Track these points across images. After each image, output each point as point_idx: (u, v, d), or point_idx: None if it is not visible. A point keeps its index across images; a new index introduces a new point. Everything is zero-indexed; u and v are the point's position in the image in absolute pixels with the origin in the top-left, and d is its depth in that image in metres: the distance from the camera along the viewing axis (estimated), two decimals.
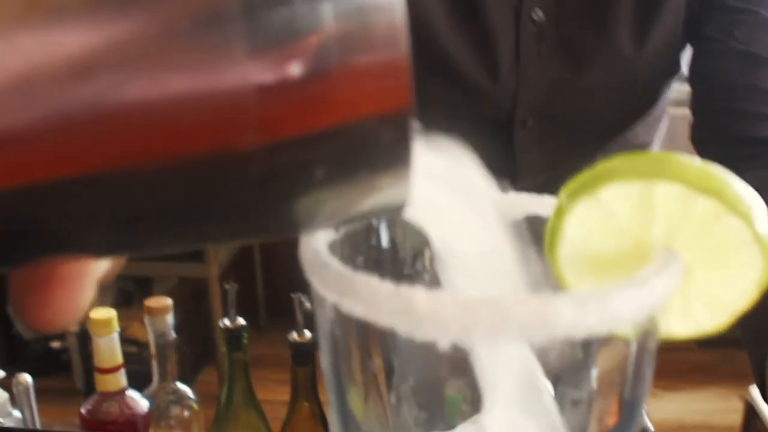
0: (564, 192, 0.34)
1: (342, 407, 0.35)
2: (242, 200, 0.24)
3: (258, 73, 0.21)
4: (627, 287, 0.28)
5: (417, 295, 0.28)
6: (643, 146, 0.97)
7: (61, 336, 2.74)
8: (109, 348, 0.91)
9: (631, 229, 0.33)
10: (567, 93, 0.87)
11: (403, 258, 0.38)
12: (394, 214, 0.27)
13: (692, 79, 0.89)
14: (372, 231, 0.38)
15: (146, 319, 0.96)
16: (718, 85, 0.87)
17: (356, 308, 0.30)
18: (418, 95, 0.80)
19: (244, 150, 0.22)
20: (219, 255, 2.64)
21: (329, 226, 0.30)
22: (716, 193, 0.31)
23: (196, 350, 2.80)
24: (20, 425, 1.15)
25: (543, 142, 0.90)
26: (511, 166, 0.90)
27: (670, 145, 1.01)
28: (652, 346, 0.33)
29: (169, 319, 0.97)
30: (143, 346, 2.67)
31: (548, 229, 0.34)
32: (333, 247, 0.36)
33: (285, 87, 0.22)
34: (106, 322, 0.91)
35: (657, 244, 0.33)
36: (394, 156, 0.24)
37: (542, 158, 0.91)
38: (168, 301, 0.98)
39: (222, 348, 0.94)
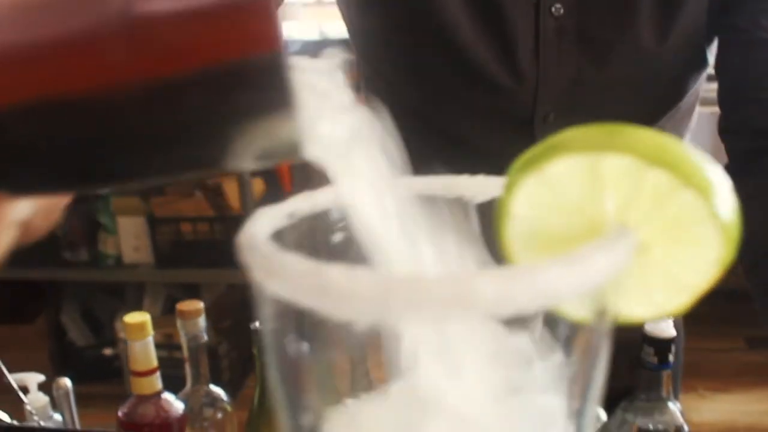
0: (512, 168, 0.32)
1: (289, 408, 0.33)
2: (135, 137, 0.26)
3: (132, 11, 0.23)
4: (561, 263, 0.26)
5: (333, 271, 0.27)
6: None
7: (113, 343, 2.79)
8: (144, 351, 0.91)
9: (581, 205, 0.31)
10: (588, 87, 0.85)
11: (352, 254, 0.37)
12: (291, 154, 0.29)
13: (718, 71, 0.86)
14: (328, 219, 0.37)
15: (178, 323, 0.96)
16: (744, 75, 0.84)
17: (279, 288, 0.29)
18: (441, 94, 0.79)
19: (124, 88, 0.24)
20: None
21: (238, 164, 0.30)
22: (669, 166, 0.29)
23: (243, 355, 2.81)
24: (60, 428, 1.16)
25: None
26: None
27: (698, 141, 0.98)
28: (606, 327, 0.31)
29: (201, 322, 0.97)
30: None
31: (497, 208, 0.32)
32: (284, 236, 0.35)
33: (152, 27, 0.23)
34: (141, 326, 0.92)
35: (609, 221, 0.31)
36: (273, 95, 0.25)
37: None
38: (200, 305, 0.98)
39: (254, 350, 0.94)
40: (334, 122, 0.29)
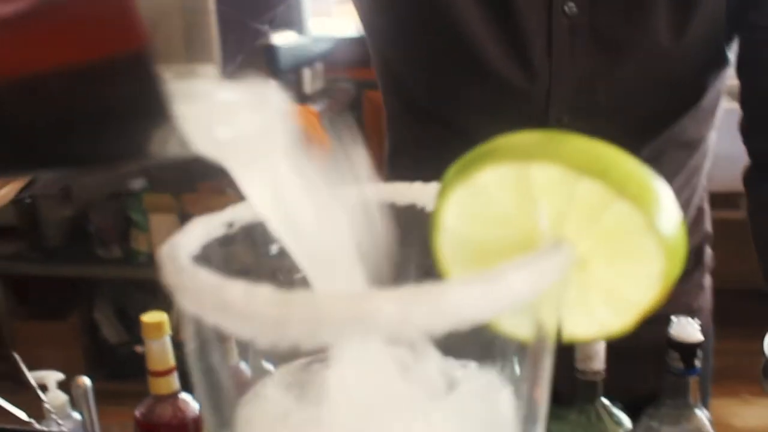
0: (444, 178, 0.30)
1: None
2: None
3: None
4: (472, 282, 0.25)
5: (233, 289, 0.25)
6: (694, 141, 0.91)
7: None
8: (161, 351, 0.91)
9: (513, 217, 0.29)
10: (603, 88, 0.82)
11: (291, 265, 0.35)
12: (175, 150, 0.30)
13: (739, 70, 0.83)
14: (259, 238, 0.35)
15: None
16: (766, 74, 0.81)
17: (188, 304, 0.27)
18: (454, 93, 0.77)
19: None
20: None
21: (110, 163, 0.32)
22: (600, 175, 0.27)
23: None
24: (79, 427, 1.17)
25: None
26: None
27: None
28: (545, 345, 0.30)
29: None
30: None
31: (430, 219, 0.31)
32: (222, 246, 0.34)
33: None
34: (158, 326, 0.91)
35: (543, 234, 0.29)
36: (139, 96, 0.26)
37: None
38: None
39: None
40: (232, 123, 0.28)
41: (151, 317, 0.96)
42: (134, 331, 2.97)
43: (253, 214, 0.36)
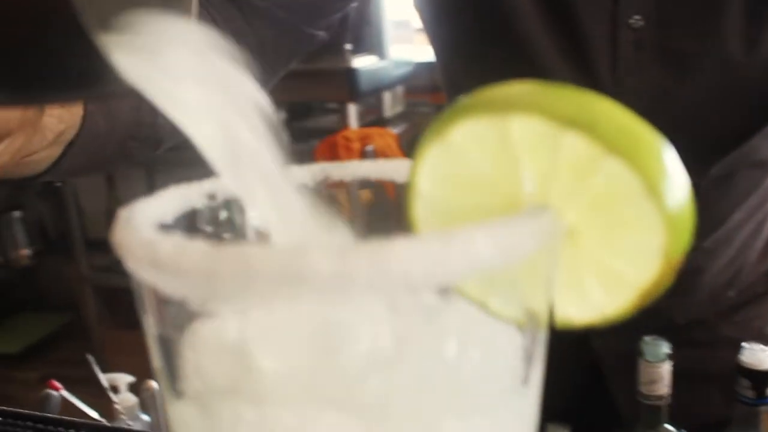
0: (420, 140, 0.27)
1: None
2: None
3: None
4: (419, 240, 0.21)
5: (165, 243, 0.22)
6: (766, 162, 0.85)
7: None
8: None
9: (492, 179, 0.25)
10: (669, 103, 0.77)
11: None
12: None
13: None
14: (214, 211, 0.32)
15: None
16: None
17: (128, 264, 0.25)
18: None
19: None
20: None
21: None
22: (588, 127, 0.23)
23: None
24: (147, 428, 1.17)
25: None
26: None
27: None
28: (538, 329, 0.26)
29: None
30: None
31: (405, 186, 0.27)
32: (200, 217, 0.32)
33: None
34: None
35: (527, 198, 0.25)
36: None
37: None
38: None
39: None
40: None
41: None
42: None
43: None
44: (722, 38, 0.74)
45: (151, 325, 0.27)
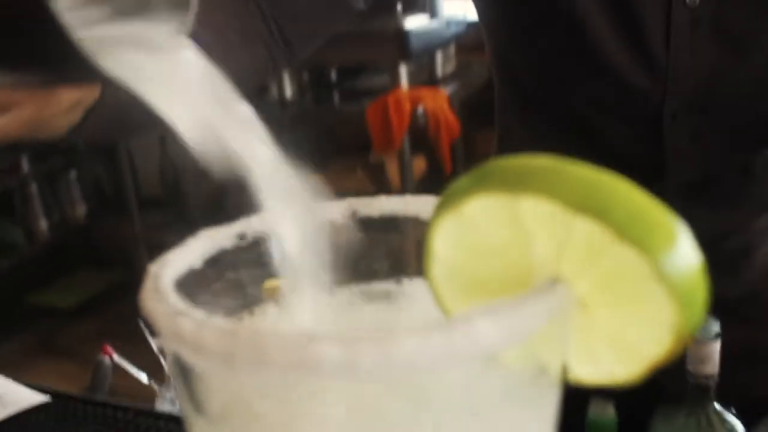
0: (437, 203, 0.27)
1: None
2: None
3: None
4: (422, 331, 0.22)
5: (185, 320, 0.24)
6: None
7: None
8: None
9: (504, 250, 0.26)
10: (725, 84, 0.76)
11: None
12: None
13: None
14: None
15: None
16: None
17: (158, 329, 0.26)
18: (565, 84, 0.73)
19: None
20: None
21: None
22: (599, 213, 0.23)
23: None
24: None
25: (697, 138, 0.79)
26: (659, 162, 0.81)
27: None
28: (549, 382, 0.27)
29: None
30: None
31: (423, 245, 0.28)
32: (230, 259, 0.33)
33: None
34: (272, 291, 0.93)
35: (540, 270, 0.26)
36: None
37: (696, 155, 0.80)
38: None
39: None
40: None
41: (270, 283, 0.98)
42: None
43: (266, 225, 0.34)
44: None
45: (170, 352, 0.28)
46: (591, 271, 0.25)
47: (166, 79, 0.36)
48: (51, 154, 3.03)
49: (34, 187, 2.96)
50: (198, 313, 0.24)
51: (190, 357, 0.24)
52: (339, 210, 0.36)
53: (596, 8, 0.75)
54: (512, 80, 0.88)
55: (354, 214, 0.36)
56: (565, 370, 0.27)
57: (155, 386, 1.25)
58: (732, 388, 0.71)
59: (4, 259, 2.87)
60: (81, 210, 3.10)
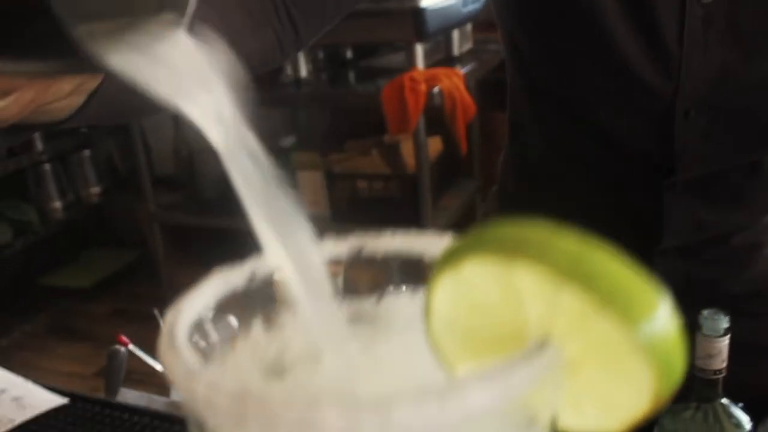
0: (437, 261, 0.29)
1: None
2: None
3: None
4: (420, 398, 0.24)
5: (199, 380, 0.26)
6: None
7: None
8: None
9: (498, 309, 0.28)
10: (737, 83, 0.77)
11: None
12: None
13: None
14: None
15: None
16: None
17: (172, 381, 0.28)
18: (578, 78, 0.75)
19: None
20: (437, 221, 2.67)
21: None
22: (585, 283, 0.25)
23: None
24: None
25: (708, 136, 0.81)
26: (669, 158, 0.82)
27: None
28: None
29: (340, 282, 0.98)
30: None
31: (424, 299, 0.30)
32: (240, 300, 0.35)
33: None
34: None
35: (532, 329, 0.28)
36: None
37: (706, 152, 0.82)
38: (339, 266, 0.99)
39: None
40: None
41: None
42: None
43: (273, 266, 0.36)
44: None
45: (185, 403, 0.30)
46: (579, 334, 0.27)
47: (163, 66, 0.38)
48: (64, 134, 3.07)
49: (47, 167, 3.00)
50: (211, 373, 0.26)
51: (203, 413, 0.26)
52: (345, 247, 0.38)
53: (612, 2, 0.76)
54: (524, 71, 0.90)
55: (360, 252, 0.38)
56: (554, 421, 0.29)
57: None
58: (739, 382, 0.73)
59: (17, 239, 2.91)
60: (95, 189, 3.14)
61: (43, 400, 0.77)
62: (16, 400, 0.75)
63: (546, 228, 0.27)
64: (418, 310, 0.31)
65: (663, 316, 0.25)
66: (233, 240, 3.17)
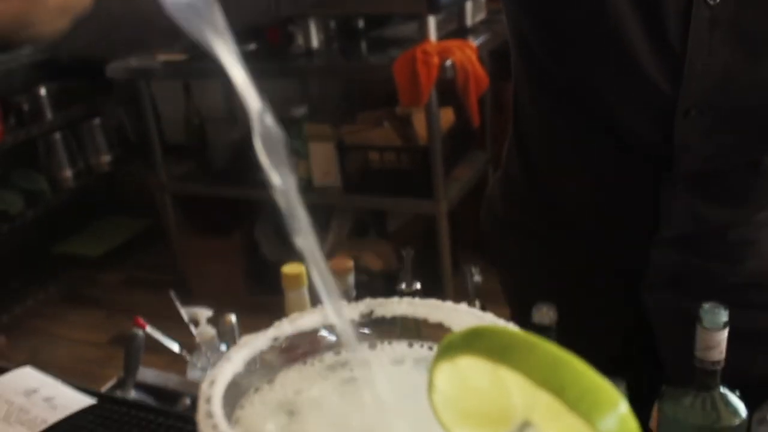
0: (440, 344, 0.36)
1: None
2: None
3: None
4: None
5: None
6: None
7: (302, 259, 2.99)
8: (299, 300, 0.97)
9: (489, 395, 0.34)
10: (738, 84, 0.80)
11: None
12: None
13: None
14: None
15: None
16: None
17: None
18: (582, 68, 0.78)
19: None
20: (449, 193, 2.72)
21: None
22: (557, 390, 0.31)
23: (426, 280, 2.93)
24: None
25: (707, 135, 0.84)
26: (668, 154, 0.86)
27: None
28: None
29: (351, 279, 1.01)
30: (375, 275, 2.86)
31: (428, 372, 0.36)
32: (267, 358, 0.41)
33: None
34: (296, 278, 0.97)
35: (517, 413, 0.34)
36: None
37: (705, 151, 0.85)
38: (350, 263, 1.03)
39: None
40: None
41: (290, 269, 1.04)
42: (292, 250, 3.16)
43: (295, 327, 0.42)
44: None
45: None
46: (554, 423, 0.33)
47: None
48: (74, 102, 3.11)
49: (57, 136, 3.05)
50: None
51: None
52: (358, 310, 0.44)
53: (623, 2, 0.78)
54: (529, 58, 0.93)
55: (371, 313, 0.44)
56: None
57: (186, 355, 1.35)
58: (735, 368, 0.78)
59: (29, 209, 2.98)
60: (105, 158, 3.20)
61: (72, 400, 0.83)
62: (48, 400, 0.82)
63: (528, 338, 0.33)
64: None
65: (621, 416, 0.31)
66: (244, 209, 3.24)
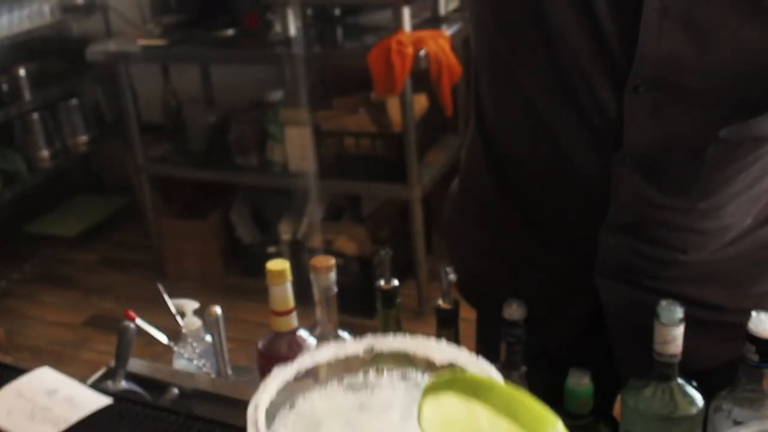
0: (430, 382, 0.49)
1: None
2: None
3: None
4: None
5: None
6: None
7: (277, 242, 3.11)
8: (282, 295, 1.01)
9: (465, 423, 0.48)
10: (687, 71, 0.83)
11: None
12: None
13: None
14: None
15: (312, 276, 1.04)
16: None
17: None
18: (527, 50, 0.87)
19: None
20: (422, 178, 2.84)
21: None
22: (513, 415, 0.45)
23: (399, 264, 3.06)
24: (210, 348, 1.39)
25: (656, 114, 0.86)
26: (618, 132, 0.88)
27: None
28: None
29: (333, 276, 1.07)
30: (349, 259, 2.98)
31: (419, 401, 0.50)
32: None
33: None
34: (280, 273, 1.01)
35: None
36: None
37: (653, 130, 0.88)
38: (332, 261, 1.09)
39: (378, 305, 1.05)
40: None
41: (275, 265, 1.13)
42: (267, 233, 3.29)
43: (314, 359, 0.55)
44: (751, 18, 0.79)
45: None
46: None
47: None
48: (51, 83, 3.19)
49: (35, 116, 3.13)
50: None
51: None
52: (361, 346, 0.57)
53: None
54: (487, 44, 0.98)
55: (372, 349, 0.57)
56: None
57: (172, 345, 1.44)
58: (690, 355, 0.85)
59: (5, 189, 3.05)
60: (82, 138, 3.28)
61: (89, 399, 0.94)
62: (68, 400, 0.93)
63: (491, 381, 0.47)
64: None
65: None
66: (220, 192, 3.33)
